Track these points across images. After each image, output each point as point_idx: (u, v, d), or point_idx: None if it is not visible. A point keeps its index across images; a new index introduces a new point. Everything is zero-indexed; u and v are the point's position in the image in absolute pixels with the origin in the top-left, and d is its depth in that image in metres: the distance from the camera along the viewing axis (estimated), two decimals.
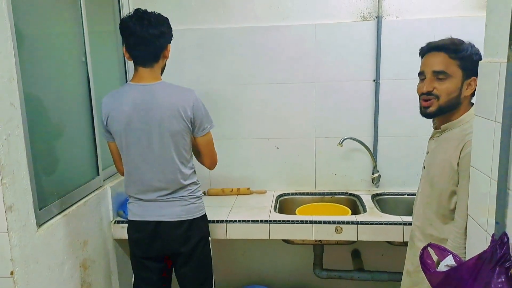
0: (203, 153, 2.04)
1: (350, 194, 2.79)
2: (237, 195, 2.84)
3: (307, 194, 2.84)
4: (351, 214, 2.53)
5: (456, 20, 2.51)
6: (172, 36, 1.95)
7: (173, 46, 2.68)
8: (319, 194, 2.82)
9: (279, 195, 2.81)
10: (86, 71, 2.19)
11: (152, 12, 1.88)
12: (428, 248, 1.46)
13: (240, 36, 2.70)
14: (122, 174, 2.07)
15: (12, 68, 1.56)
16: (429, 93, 1.61)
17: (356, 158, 2.79)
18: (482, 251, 1.26)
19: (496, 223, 1.22)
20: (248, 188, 2.85)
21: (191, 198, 2.00)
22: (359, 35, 2.64)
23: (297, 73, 2.72)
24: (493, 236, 1.24)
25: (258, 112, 2.79)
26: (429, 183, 1.71)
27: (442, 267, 1.37)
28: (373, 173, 2.76)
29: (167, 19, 1.92)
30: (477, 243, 1.39)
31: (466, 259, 1.47)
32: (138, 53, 1.86)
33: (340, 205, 2.68)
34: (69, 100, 2.09)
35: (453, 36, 1.66)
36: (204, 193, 2.85)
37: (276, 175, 2.88)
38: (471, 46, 1.60)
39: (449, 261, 1.36)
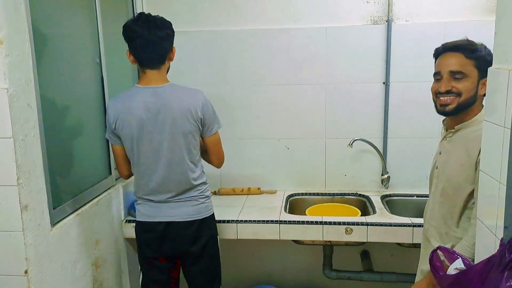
0: (211, 152, 2.07)
1: (360, 195, 2.80)
2: (248, 194, 2.86)
3: (317, 194, 2.85)
4: (361, 215, 2.54)
5: (466, 24, 2.51)
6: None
7: (186, 48, 2.75)
8: (329, 194, 2.84)
9: (289, 195, 2.83)
10: (101, 72, 2.23)
11: (156, 15, 1.91)
12: (438, 251, 1.47)
13: (252, 38, 2.72)
14: (125, 178, 2.10)
15: (30, 70, 1.59)
16: (448, 91, 1.65)
17: (366, 159, 2.80)
18: (491, 254, 1.27)
19: (505, 227, 1.23)
20: (259, 188, 2.87)
21: (201, 198, 2.03)
22: (369, 38, 2.65)
23: (308, 75, 2.74)
24: (501, 240, 1.25)
25: (269, 113, 2.81)
26: (445, 183, 1.73)
27: (452, 270, 1.39)
28: (382, 174, 2.77)
29: (170, 22, 1.94)
30: (486, 247, 1.40)
31: (475, 263, 1.48)
32: (145, 56, 1.88)
33: (350, 206, 2.69)
34: (83, 101, 2.13)
35: None
36: (215, 193, 2.88)
37: (286, 175, 2.90)
38: (485, 47, 1.63)
39: (459, 264, 1.37)
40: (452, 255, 1.43)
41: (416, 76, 2.60)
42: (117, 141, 1.98)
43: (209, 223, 2.07)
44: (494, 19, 1.33)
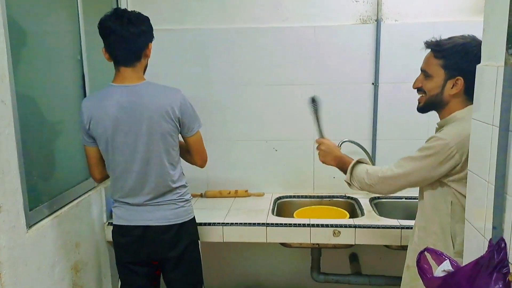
0: (194, 152, 2.01)
1: (349, 198, 2.76)
2: (235, 197, 2.81)
3: (306, 197, 2.81)
4: (349, 218, 2.50)
5: (455, 24, 2.48)
6: (153, 36, 1.92)
7: (171, 46, 2.70)
8: (318, 197, 2.80)
9: (277, 198, 2.78)
10: (82, 69, 2.17)
11: (132, 11, 1.85)
12: (425, 252, 1.43)
13: (240, 37, 2.68)
14: (98, 181, 2.03)
15: (4, 66, 1.53)
16: (417, 89, 1.70)
17: None
18: (479, 256, 1.24)
19: (494, 228, 1.19)
20: (246, 191, 2.83)
21: (180, 202, 1.97)
22: (358, 38, 2.62)
23: (297, 75, 2.70)
24: (490, 241, 1.21)
25: (257, 114, 2.77)
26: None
27: (439, 272, 1.35)
28: None
29: (147, 18, 1.89)
30: (475, 248, 1.36)
31: (464, 264, 1.45)
32: (119, 53, 1.82)
33: (338, 208, 2.65)
34: (63, 99, 2.07)
35: None
36: (201, 195, 2.83)
37: (274, 177, 2.85)
38: (464, 44, 1.59)
39: (446, 266, 1.34)
40: (439, 257, 1.39)
41: (405, 77, 2.51)
42: (91, 142, 1.91)
43: (189, 228, 2.00)
44: (482, 19, 1.30)
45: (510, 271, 1.15)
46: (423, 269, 1.41)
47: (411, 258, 1.79)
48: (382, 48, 2.60)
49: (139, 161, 1.86)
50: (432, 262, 1.42)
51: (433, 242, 1.67)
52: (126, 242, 1.96)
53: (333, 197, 2.78)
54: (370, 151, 2.71)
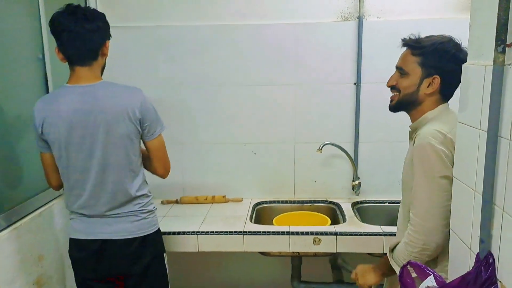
0: (155, 158, 1.87)
1: (330, 202, 2.66)
2: (212, 203, 2.69)
3: (286, 202, 2.70)
4: (331, 224, 2.40)
5: (439, 22, 2.40)
6: (110, 33, 1.79)
7: (140, 45, 2.57)
8: (298, 202, 2.69)
9: (256, 204, 2.66)
10: (44, 69, 2.03)
11: (86, 6, 1.75)
12: (408, 266, 1.34)
13: (215, 35, 2.55)
14: (55, 189, 1.89)
15: None
16: (391, 87, 1.63)
17: (336, 164, 2.66)
18: (466, 271, 1.14)
19: (481, 241, 1.10)
20: (224, 196, 2.71)
21: (142, 213, 1.83)
22: (339, 36, 2.52)
23: (276, 74, 2.59)
24: (477, 256, 1.11)
25: (234, 116, 2.65)
26: (402, 187, 1.66)
27: None
28: (353, 180, 2.63)
29: (103, 14, 1.76)
30: (461, 261, 1.27)
31: (449, 279, 1.35)
32: (74, 51, 1.68)
33: (320, 214, 2.55)
34: (22, 101, 1.93)
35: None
36: (177, 201, 2.70)
37: (253, 182, 2.73)
38: (442, 43, 1.54)
39: (430, 282, 1.24)
40: (423, 271, 1.29)
41: (389, 77, 2.44)
42: (46, 148, 1.77)
43: (153, 241, 1.87)
44: (467, 16, 1.23)
45: None
46: (406, 284, 1.31)
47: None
48: (365, 47, 2.51)
49: (96, 167, 1.73)
50: (415, 276, 1.32)
51: None
52: (84, 257, 1.82)
53: (315, 202, 2.68)
54: (352, 154, 2.61)
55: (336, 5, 2.50)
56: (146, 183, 1.89)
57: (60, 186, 1.87)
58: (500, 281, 1.05)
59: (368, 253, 2.32)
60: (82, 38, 1.66)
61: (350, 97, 2.58)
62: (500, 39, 0.99)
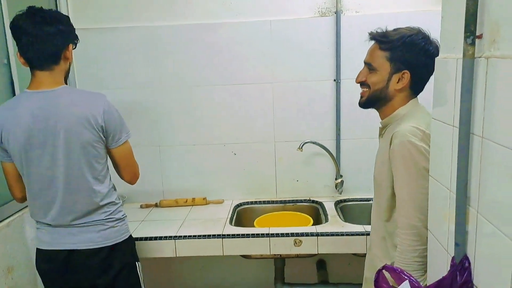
0: (121, 166, 1.81)
1: (313, 202, 2.61)
2: (192, 205, 2.62)
3: (268, 202, 2.64)
4: (313, 224, 2.34)
5: (417, 15, 2.34)
6: (75, 37, 1.73)
7: (115, 46, 2.50)
8: (280, 202, 2.63)
9: (237, 205, 2.60)
10: (10, 74, 1.95)
11: (49, 9, 1.66)
12: (383, 271, 1.28)
13: (190, 34, 2.48)
14: (19, 201, 1.82)
15: None
16: (361, 83, 1.58)
17: (318, 162, 2.61)
18: (443, 273, 1.09)
19: (456, 244, 1.04)
20: (204, 198, 2.64)
21: (109, 222, 1.77)
22: (317, 31, 2.46)
23: (253, 73, 2.52)
24: (453, 259, 1.06)
25: (212, 116, 2.58)
26: (374, 182, 1.62)
27: None
28: (336, 179, 2.58)
29: (67, 17, 1.71)
30: (438, 264, 1.22)
31: (429, 282, 1.30)
32: (33, 55, 1.62)
33: (302, 214, 2.49)
34: None
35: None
36: (156, 205, 2.63)
37: (234, 183, 2.67)
38: (411, 36, 1.48)
39: (406, 287, 1.18)
40: (399, 275, 1.24)
41: None
42: (6, 157, 1.70)
43: (122, 250, 1.81)
44: None
45: None
46: None
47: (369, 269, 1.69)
48: (343, 42, 2.45)
49: (59, 176, 1.66)
50: (391, 281, 1.27)
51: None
52: (51, 268, 1.75)
53: (297, 201, 2.62)
54: (334, 152, 2.56)
55: (313, 0, 2.44)
56: (114, 189, 1.83)
57: (24, 198, 1.79)
58: (476, 287, 0.99)
59: (353, 254, 2.27)
60: (41, 41, 1.60)
61: (330, 94, 2.52)
62: (469, 30, 0.93)
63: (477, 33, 0.93)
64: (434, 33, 1.49)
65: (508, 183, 0.84)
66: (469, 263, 1.01)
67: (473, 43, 0.93)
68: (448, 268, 1.09)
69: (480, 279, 0.98)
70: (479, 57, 0.94)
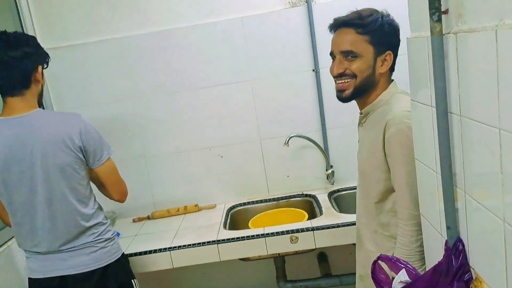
0: (107, 184, 1.77)
1: (306, 195, 2.57)
2: (185, 214, 2.58)
3: (261, 202, 2.60)
4: (309, 218, 2.30)
5: None
6: (44, 56, 1.69)
7: (86, 63, 2.43)
8: (273, 200, 2.59)
9: (230, 208, 2.56)
10: None
11: (14, 32, 1.61)
12: (379, 261, 1.25)
13: (161, 41, 2.43)
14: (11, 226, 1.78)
15: None
16: (341, 74, 1.45)
17: (307, 155, 2.57)
18: (439, 258, 1.05)
19: (448, 227, 1.01)
20: (196, 205, 2.60)
21: (99, 242, 1.72)
22: (290, 23, 2.42)
23: (231, 73, 2.48)
24: (446, 243, 1.03)
25: (194, 121, 2.53)
26: (361, 174, 1.54)
27: (396, 284, 1.16)
28: (326, 170, 2.54)
29: (33, 37, 1.66)
30: (435, 249, 1.18)
31: (427, 268, 1.27)
32: (1, 82, 1.57)
33: (296, 209, 2.45)
34: None
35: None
36: (148, 218, 2.58)
37: (224, 186, 2.62)
38: (382, 16, 1.42)
39: (403, 276, 1.15)
40: (396, 264, 1.20)
41: None
42: None
43: (116, 269, 1.76)
44: None
45: (473, 277, 0.96)
46: (379, 281, 1.22)
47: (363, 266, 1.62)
48: (318, 31, 2.40)
49: (40, 202, 1.62)
50: (389, 271, 1.24)
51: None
52: None
53: (290, 197, 2.59)
54: (321, 143, 2.52)
55: None
56: (101, 209, 1.79)
57: None
58: (473, 269, 0.96)
59: (352, 243, 2.23)
60: (7, 67, 1.55)
61: (310, 84, 2.48)
62: (434, 7, 0.89)
63: (443, 9, 0.90)
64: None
65: (490, 159, 0.81)
66: (463, 245, 0.98)
67: (439, 20, 0.89)
68: (444, 253, 1.06)
69: (476, 261, 0.95)
70: (448, 34, 0.90)
